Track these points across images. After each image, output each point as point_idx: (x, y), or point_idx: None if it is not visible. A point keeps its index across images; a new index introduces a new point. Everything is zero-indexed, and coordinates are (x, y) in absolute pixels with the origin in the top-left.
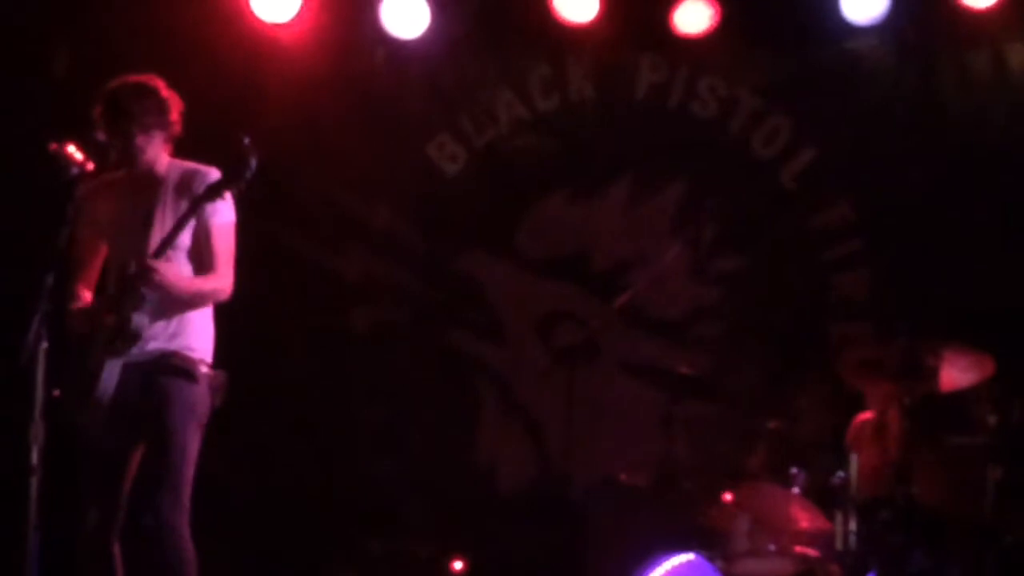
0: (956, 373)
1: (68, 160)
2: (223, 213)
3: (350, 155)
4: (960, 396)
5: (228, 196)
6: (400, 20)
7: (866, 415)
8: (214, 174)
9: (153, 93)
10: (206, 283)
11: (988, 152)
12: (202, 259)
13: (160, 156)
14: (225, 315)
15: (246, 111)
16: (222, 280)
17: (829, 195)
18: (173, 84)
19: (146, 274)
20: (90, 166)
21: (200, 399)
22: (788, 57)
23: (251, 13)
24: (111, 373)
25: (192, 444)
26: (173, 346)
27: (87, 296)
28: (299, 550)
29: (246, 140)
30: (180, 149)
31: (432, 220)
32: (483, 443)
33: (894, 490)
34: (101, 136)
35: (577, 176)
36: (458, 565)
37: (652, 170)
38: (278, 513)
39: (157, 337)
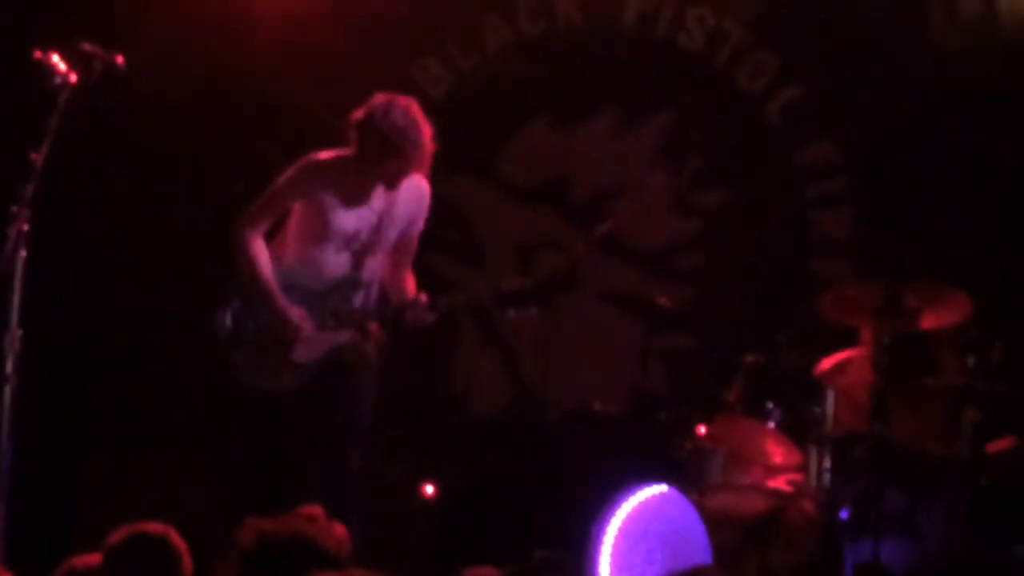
0: (936, 313)
1: (52, 69)
2: (421, 223)
3: (334, 74)
4: (935, 338)
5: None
6: None
7: (844, 353)
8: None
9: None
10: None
11: (977, 92)
12: (400, 256)
13: None
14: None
15: (231, 31)
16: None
17: (814, 132)
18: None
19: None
20: (73, 77)
21: None
22: None
23: None
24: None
25: None
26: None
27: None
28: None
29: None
30: (162, 64)
31: None
32: (458, 368)
33: (869, 427)
34: (87, 47)
35: (561, 103)
36: (429, 489)
37: (637, 100)
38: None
39: None
